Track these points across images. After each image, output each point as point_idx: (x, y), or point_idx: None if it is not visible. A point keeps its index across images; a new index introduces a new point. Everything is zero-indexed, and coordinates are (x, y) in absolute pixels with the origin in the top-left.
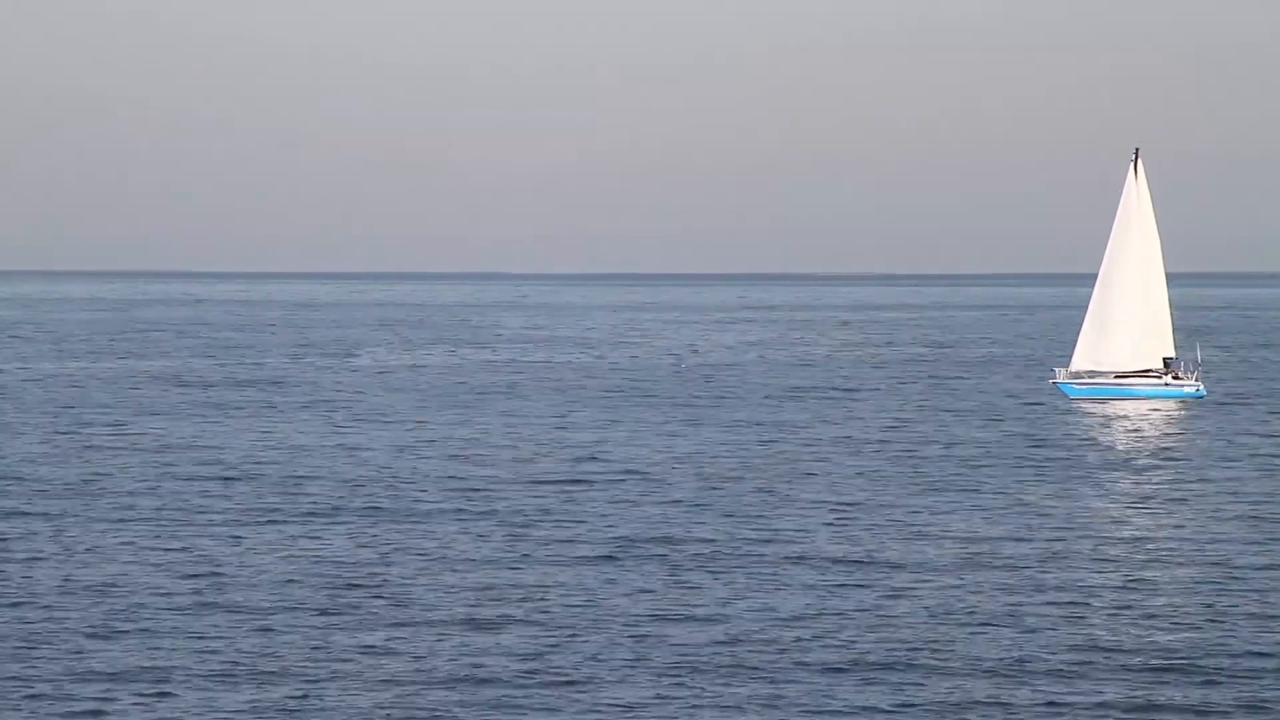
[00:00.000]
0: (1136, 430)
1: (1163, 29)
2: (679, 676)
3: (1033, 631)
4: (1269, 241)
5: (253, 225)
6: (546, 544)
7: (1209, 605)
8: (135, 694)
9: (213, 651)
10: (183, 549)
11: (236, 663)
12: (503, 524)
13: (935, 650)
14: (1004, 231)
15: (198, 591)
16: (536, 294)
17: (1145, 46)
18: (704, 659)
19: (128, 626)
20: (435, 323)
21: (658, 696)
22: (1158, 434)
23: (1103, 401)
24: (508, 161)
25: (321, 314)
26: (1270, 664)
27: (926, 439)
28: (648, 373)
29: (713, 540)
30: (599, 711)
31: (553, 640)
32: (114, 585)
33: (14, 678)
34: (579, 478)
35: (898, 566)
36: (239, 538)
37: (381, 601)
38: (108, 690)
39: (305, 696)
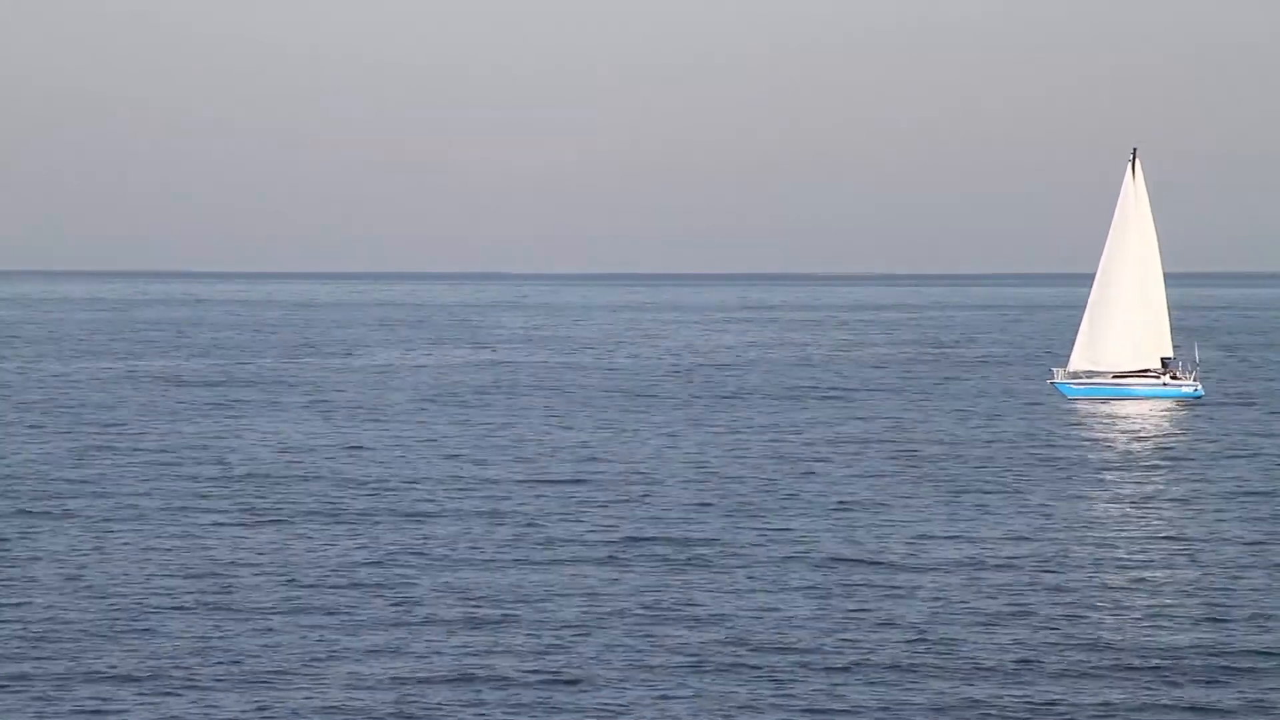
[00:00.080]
0: (1134, 430)
1: (1161, 29)
2: (680, 676)
3: (1032, 631)
4: (1267, 241)
5: (253, 225)
6: (547, 544)
7: (1209, 605)
8: (136, 694)
9: (214, 652)
10: (183, 549)
11: (237, 663)
12: (503, 524)
13: (936, 650)
14: (1004, 231)
15: (198, 591)
16: (536, 294)
17: (1144, 46)
18: (705, 659)
19: (128, 626)
20: (435, 322)
21: (659, 696)
22: (1156, 434)
23: (1101, 401)
24: (508, 161)
25: (321, 314)
26: (1270, 664)
27: (925, 439)
28: (648, 373)
29: (714, 540)
30: (600, 711)
31: (553, 640)
32: (114, 585)
33: (14, 678)
34: (579, 478)
35: (897, 566)
36: (239, 538)
37: (382, 601)
38: (108, 690)
39: (306, 696)
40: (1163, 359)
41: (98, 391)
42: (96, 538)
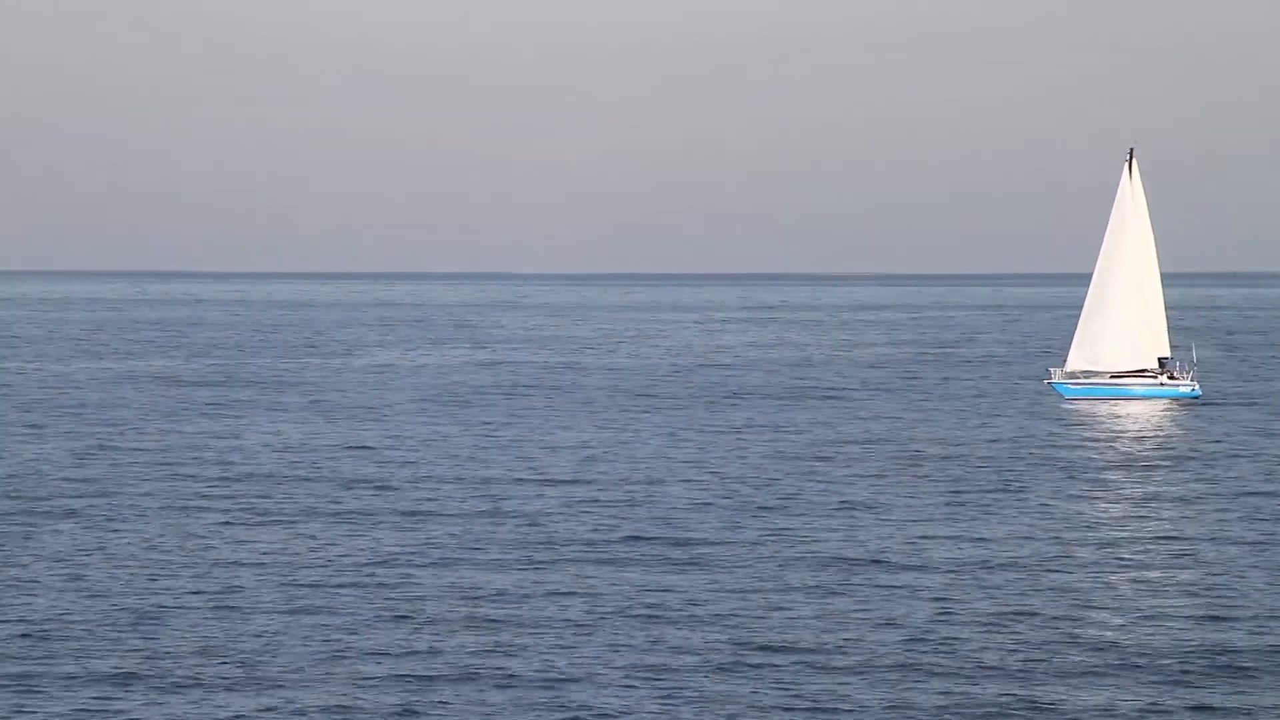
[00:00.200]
0: (1132, 430)
1: (1159, 28)
2: (682, 676)
3: (1033, 631)
4: (1264, 241)
5: (253, 225)
6: (548, 544)
7: (1209, 605)
8: (137, 694)
9: (215, 651)
10: (184, 549)
11: (238, 662)
12: (504, 524)
13: (936, 650)
14: (1004, 232)
15: (199, 591)
16: (537, 294)
17: (1142, 46)
18: (706, 659)
19: (129, 626)
20: (435, 322)
21: (660, 697)
22: (1153, 434)
23: (1098, 401)
24: (508, 161)
25: (321, 314)
26: (1271, 664)
27: (924, 439)
28: (648, 373)
29: (714, 540)
30: (601, 712)
31: (555, 640)
32: (115, 585)
33: (15, 678)
34: (580, 478)
35: (897, 566)
36: (240, 538)
37: (383, 601)
38: (109, 690)
39: (307, 696)
40: (1160, 359)
41: (98, 391)
42: (97, 538)
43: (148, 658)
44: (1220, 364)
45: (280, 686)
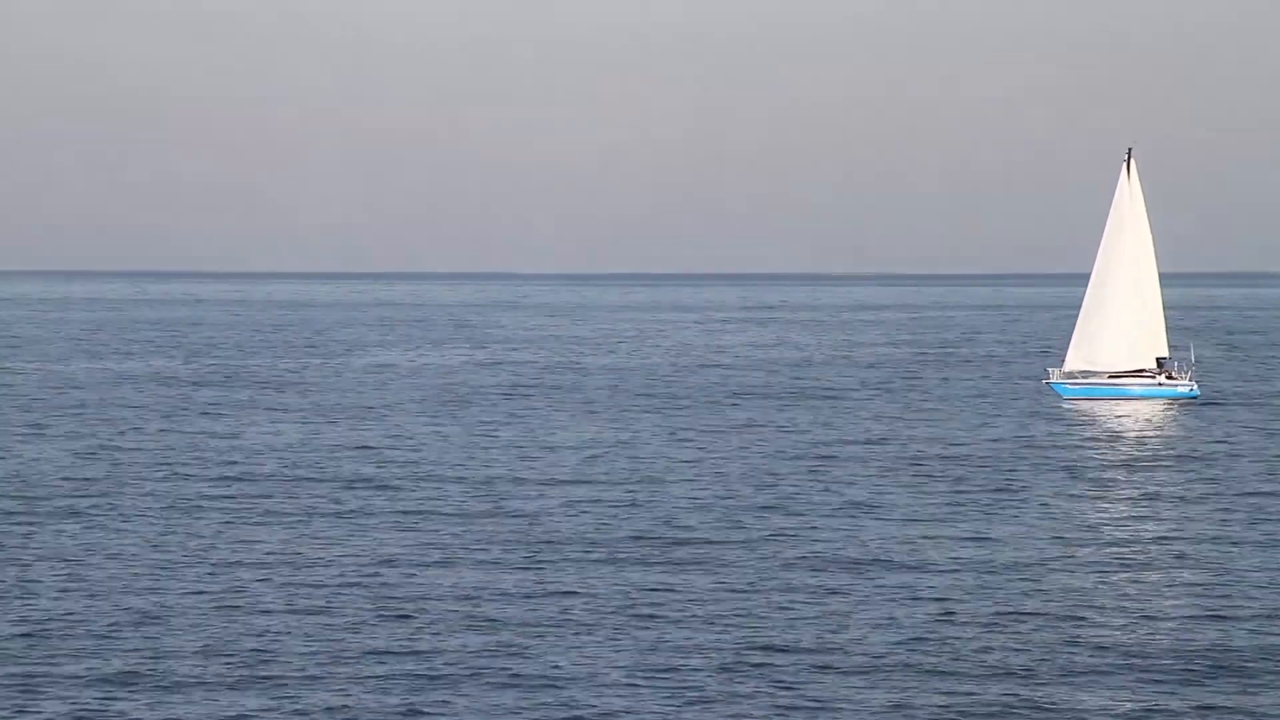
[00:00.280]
0: (1130, 430)
1: (1158, 28)
2: (682, 677)
3: (1033, 632)
4: (1262, 241)
5: (253, 225)
6: (548, 544)
7: (1209, 606)
8: (138, 694)
9: (216, 652)
10: (184, 549)
11: (239, 663)
12: (504, 524)
13: (936, 651)
14: (1003, 232)
15: (199, 591)
16: (537, 294)
17: (1141, 47)
18: (707, 659)
19: (130, 626)
20: (435, 322)
21: (661, 697)
22: (1151, 434)
23: (1097, 401)
24: (508, 161)
25: (321, 314)
26: (1271, 664)
27: (923, 439)
28: (648, 373)
29: (715, 540)
30: (601, 712)
31: (555, 640)
32: (116, 585)
33: (15, 678)
34: (580, 478)
35: (897, 566)
36: (240, 538)
37: (384, 601)
38: (110, 690)
39: (307, 696)
40: (1158, 359)
41: (98, 391)
42: (97, 538)
43: (149, 658)
44: (1218, 364)
45: (281, 686)
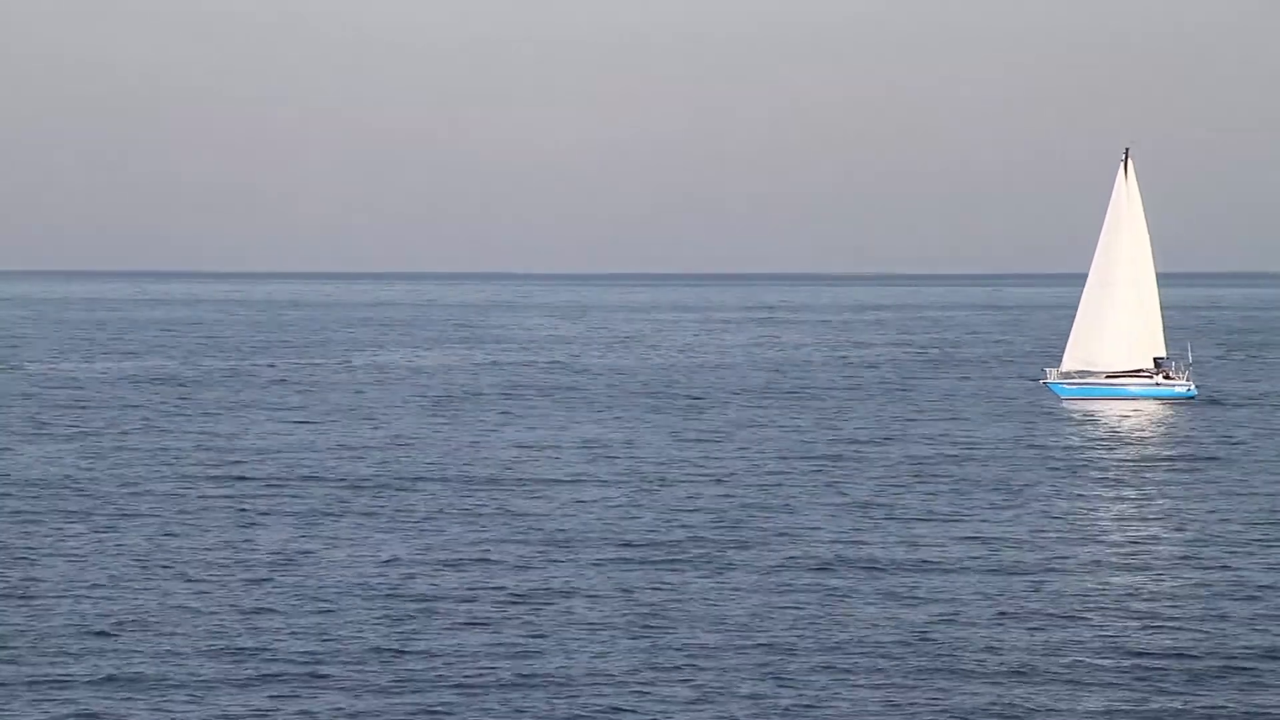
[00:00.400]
0: (1128, 430)
1: (1157, 29)
2: (683, 677)
3: (1033, 632)
4: (1260, 241)
5: (253, 225)
6: (548, 544)
7: (1208, 605)
8: (138, 694)
9: (215, 652)
10: (184, 549)
11: (239, 663)
12: (505, 524)
13: (936, 651)
14: (1002, 232)
15: (200, 592)
16: (537, 294)
17: (1139, 47)
18: (708, 659)
19: (130, 627)
20: (435, 322)
21: (662, 697)
22: (1149, 434)
23: (1094, 401)
24: (508, 161)
25: (321, 314)
26: (1271, 664)
27: (921, 439)
28: (649, 373)
29: (715, 540)
30: (602, 711)
31: (556, 640)
32: (116, 585)
33: (16, 677)
34: (580, 478)
35: (897, 567)
36: (241, 538)
37: (385, 601)
38: (110, 690)
39: (308, 697)
40: (1156, 359)
41: (98, 391)
42: (98, 538)
43: (149, 658)
44: (1216, 364)
45: (283, 686)
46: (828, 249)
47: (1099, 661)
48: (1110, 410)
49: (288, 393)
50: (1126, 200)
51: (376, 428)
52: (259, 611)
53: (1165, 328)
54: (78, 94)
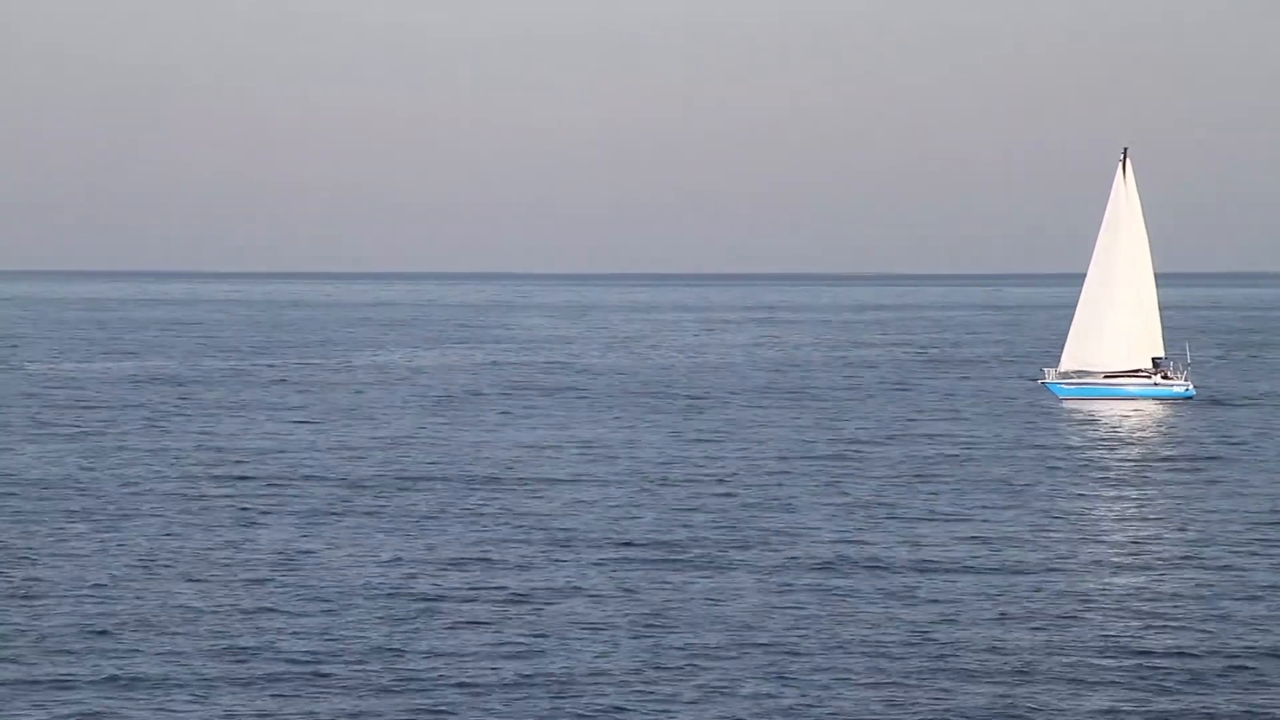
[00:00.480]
0: (1126, 430)
1: (1156, 29)
2: (683, 677)
3: (1033, 633)
4: (1258, 241)
5: (253, 225)
6: (548, 544)
7: (1208, 605)
8: (138, 694)
9: (216, 652)
10: (184, 549)
11: (240, 662)
12: (505, 524)
13: (936, 651)
14: (1001, 232)
15: (199, 592)
16: (537, 294)
17: (1138, 46)
18: (708, 660)
19: (130, 627)
20: (435, 322)
21: (662, 697)
22: (1147, 434)
23: (1092, 401)
24: (508, 160)
25: (321, 314)
26: (1271, 664)
27: (918, 439)
28: (649, 373)
29: (715, 540)
30: (602, 711)
31: (556, 640)
32: (116, 585)
33: (16, 678)
34: (580, 478)
35: (897, 567)
36: (242, 538)
37: (384, 601)
38: (110, 690)
39: (308, 697)
40: (1154, 359)
41: (98, 391)
42: (99, 538)
43: (151, 657)
44: (1215, 364)
45: (284, 686)
46: (828, 249)
47: (1100, 661)
48: (1109, 410)
49: (288, 393)
50: (1125, 200)
51: (377, 428)
52: (261, 611)
53: (1164, 328)
54: (78, 94)
